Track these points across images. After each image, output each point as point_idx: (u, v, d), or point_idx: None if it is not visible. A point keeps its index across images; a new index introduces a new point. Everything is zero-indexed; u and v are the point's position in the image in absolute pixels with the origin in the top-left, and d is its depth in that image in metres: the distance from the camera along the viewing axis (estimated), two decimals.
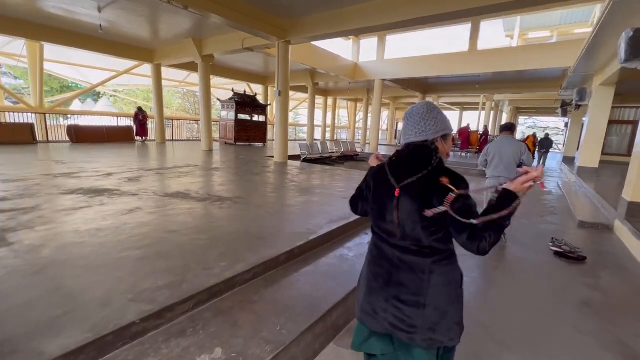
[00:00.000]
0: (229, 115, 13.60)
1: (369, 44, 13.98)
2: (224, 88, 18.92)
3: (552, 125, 32.23)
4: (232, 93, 13.81)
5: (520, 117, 30.27)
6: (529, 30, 16.56)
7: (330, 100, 23.53)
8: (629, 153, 13.25)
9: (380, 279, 1.18)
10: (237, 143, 13.60)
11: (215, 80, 17.96)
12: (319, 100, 22.61)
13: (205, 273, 2.10)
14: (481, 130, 17.37)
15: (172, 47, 10.99)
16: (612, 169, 10.35)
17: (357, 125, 28.39)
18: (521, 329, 2.23)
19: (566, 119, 19.12)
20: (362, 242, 3.19)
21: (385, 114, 28.03)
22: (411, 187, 1.07)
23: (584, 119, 13.09)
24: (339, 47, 13.89)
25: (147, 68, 12.35)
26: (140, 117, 12.44)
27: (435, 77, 13.92)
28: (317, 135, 24.34)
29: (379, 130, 15.18)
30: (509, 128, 4.02)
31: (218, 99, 14.93)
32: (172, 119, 17.35)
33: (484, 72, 10.84)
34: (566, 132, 21.18)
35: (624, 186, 4.67)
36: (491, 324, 2.25)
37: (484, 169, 4.18)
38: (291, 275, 2.36)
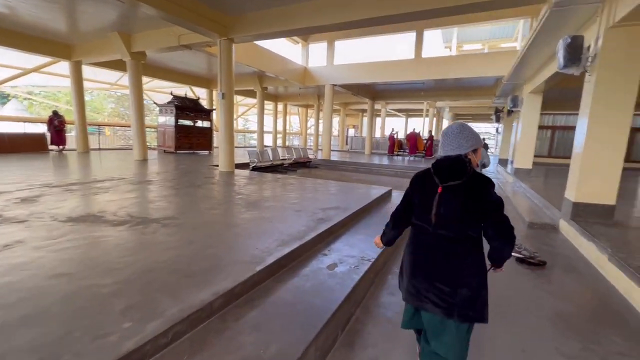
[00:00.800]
0: (168, 120, 12.31)
1: (318, 49, 13.80)
2: (162, 92, 17.30)
3: (484, 130, 35.49)
4: (172, 97, 12.55)
5: None
6: (464, 42, 17.89)
7: (280, 106, 22.99)
8: (549, 155, 14.85)
9: (422, 264, 1.47)
10: (178, 151, 12.34)
11: (153, 84, 16.31)
12: (269, 105, 21.95)
13: (94, 346, 1.41)
14: (426, 135, 18.25)
15: (95, 42, 9.55)
16: (540, 170, 11.34)
17: (308, 131, 28.19)
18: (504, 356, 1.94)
19: (498, 125, 21.05)
20: (320, 267, 2.69)
21: (336, 119, 28.29)
22: (453, 188, 1.38)
23: (513, 124, 14.30)
24: (289, 51, 13.49)
25: (66, 66, 10.62)
26: (56, 123, 10.61)
27: (383, 84, 14.20)
28: (269, 142, 23.61)
29: (331, 136, 15.02)
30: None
31: (155, 103, 13.48)
32: (100, 125, 15.30)
33: (427, 79, 11.26)
34: (497, 137, 23.36)
35: (561, 186, 4.86)
36: (472, 351, 1.90)
37: None
38: (230, 328, 1.76)
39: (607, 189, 4.28)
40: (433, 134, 18.53)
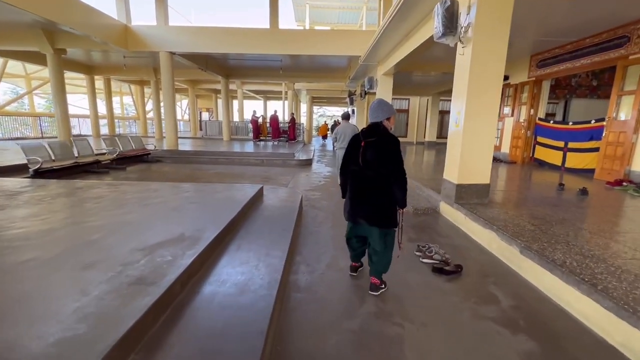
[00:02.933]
0: None
1: (143, 1, 10.36)
2: None
3: (337, 114, 38.67)
4: None
5: (314, 107, 34.21)
6: (315, 23, 17.81)
7: (101, 83, 17.30)
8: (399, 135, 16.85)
9: (357, 192, 2.33)
10: None
11: None
12: (79, 81, 16.06)
13: None
14: (287, 118, 17.55)
15: None
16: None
17: (149, 115, 22.93)
18: None
19: (351, 107, 22.67)
20: None
21: (186, 101, 24.01)
22: (371, 143, 2.22)
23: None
24: (98, 2, 9.49)
25: None
26: None
27: (236, 57, 12.23)
28: (104, 129, 17.59)
29: (177, 120, 12.06)
30: (347, 117, 6.34)
31: None
32: None
33: (284, 55, 10.12)
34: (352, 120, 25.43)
35: (428, 166, 4.66)
36: None
37: (335, 143, 6.34)
38: None
39: (484, 168, 4.18)
40: (294, 116, 18.02)
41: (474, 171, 4.15)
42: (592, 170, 6.62)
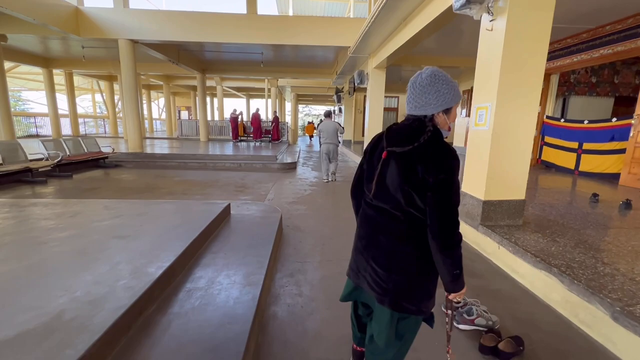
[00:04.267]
0: None
1: None
2: None
3: (323, 112, 37.68)
4: None
5: (299, 105, 33.06)
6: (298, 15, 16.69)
7: (62, 77, 15.61)
8: None
9: (363, 240, 1.25)
10: None
11: None
12: (35, 75, 14.35)
13: None
14: (270, 116, 16.38)
15: None
16: None
17: (120, 114, 21.19)
18: None
19: (335, 107, 21.68)
20: None
21: (164, 100, 22.40)
22: (400, 155, 1.09)
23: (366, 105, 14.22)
24: None
25: None
26: None
27: (213, 49, 11.00)
28: (66, 129, 15.84)
29: (142, 119, 10.71)
30: (329, 115, 6.85)
31: None
32: None
33: (265, 44, 8.98)
34: (334, 118, 24.47)
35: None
36: None
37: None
38: None
39: (520, 179, 3.23)
40: (278, 114, 16.87)
41: (507, 184, 3.19)
42: (614, 175, 5.85)
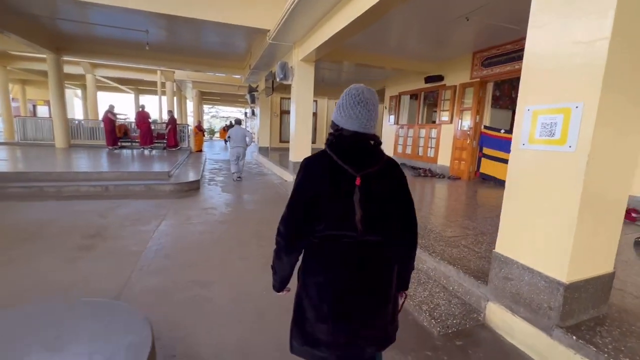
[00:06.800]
0: None
1: None
2: None
3: (233, 115, 34.25)
4: None
5: (205, 106, 29.11)
6: None
7: None
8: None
9: (352, 292, 1.04)
10: None
11: None
12: None
13: None
14: (165, 117, 13.04)
15: None
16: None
17: None
18: None
19: (248, 109, 19.24)
20: None
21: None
22: (371, 176, 1.02)
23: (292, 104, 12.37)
24: None
25: None
26: None
27: (71, 17, 7.51)
28: None
29: None
30: (239, 122, 7.83)
31: None
32: None
33: (148, 11, 6.25)
34: (249, 121, 21.90)
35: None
36: None
37: (227, 144, 7.86)
38: None
39: (612, 237, 1.86)
40: (175, 115, 13.62)
41: (594, 247, 1.78)
42: None
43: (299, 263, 1.12)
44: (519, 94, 1.96)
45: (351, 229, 1.00)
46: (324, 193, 0.99)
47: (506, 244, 2.05)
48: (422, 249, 2.86)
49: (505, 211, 2.06)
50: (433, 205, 4.80)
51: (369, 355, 1.12)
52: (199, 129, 14.21)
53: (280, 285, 1.14)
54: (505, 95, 9.01)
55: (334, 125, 1.06)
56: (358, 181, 0.98)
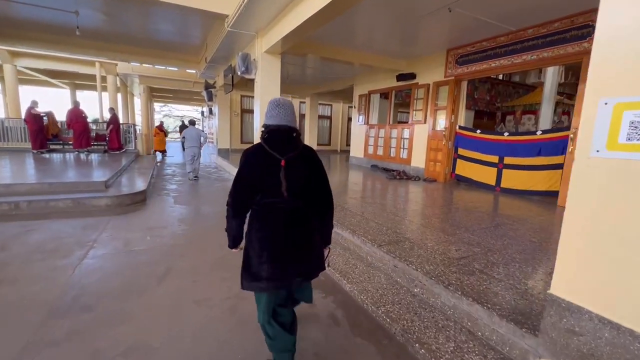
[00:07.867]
0: None
1: None
2: None
3: (187, 114, 31.88)
4: None
5: (156, 104, 26.66)
6: None
7: None
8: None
9: (286, 241, 1.47)
10: None
11: None
12: None
13: None
14: (107, 115, 11.36)
15: None
16: None
17: None
18: None
19: (205, 108, 17.73)
20: None
21: None
22: (296, 160, 1.45)
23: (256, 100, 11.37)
24: None
25: None
26: None
27: None
28: None
29: None
30: (193, 123, 7.76)
31: None
32: None
33: None
34: (206, 121, 20.28)
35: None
36: None
37: (182, 143, 7.77)
38: None
39: None
40: (121, 114, 11.97)
41: None
42: (547, 193, 5.32)
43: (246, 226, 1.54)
44: (587, 83, 1.44)
45: (280, 197, 1.43)
46: (259, 172, 1.42)
47: (570, 285, 1.53)
48: (434, 278, 2.29)
49: (568, 240, 1.53)
50: (422, 215, 4.32)
51: (297, 284, 1.55)
52: (160, 129, 12.84)
53: (233, 243, 1.57)
54: (468, 95, 8.91)
55: (264, 125, 1.48)
56: (283, 163, 1.40)
